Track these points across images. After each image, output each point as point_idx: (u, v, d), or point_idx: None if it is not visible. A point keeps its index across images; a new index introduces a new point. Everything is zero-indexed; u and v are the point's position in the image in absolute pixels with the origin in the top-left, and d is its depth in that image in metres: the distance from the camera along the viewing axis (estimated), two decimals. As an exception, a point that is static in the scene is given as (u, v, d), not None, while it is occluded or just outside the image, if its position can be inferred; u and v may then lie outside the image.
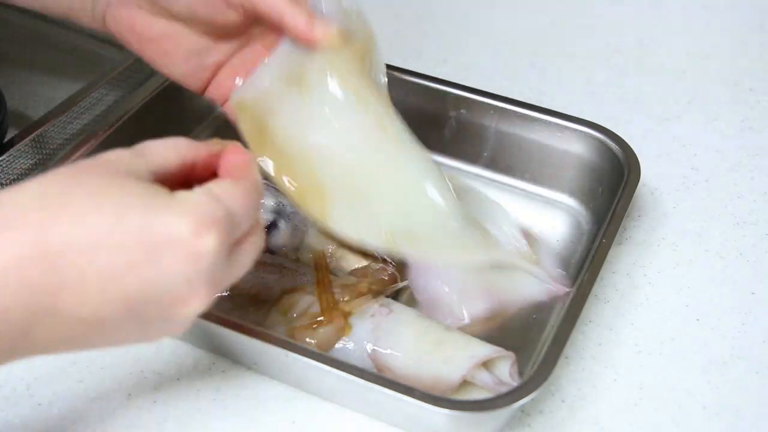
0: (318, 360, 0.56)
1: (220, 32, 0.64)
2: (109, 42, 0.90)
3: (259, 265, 0.66)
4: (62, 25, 0.93)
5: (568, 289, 0.67)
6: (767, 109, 0.88)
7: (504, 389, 0.57)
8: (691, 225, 0.75)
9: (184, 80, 0.66)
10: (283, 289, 0.65)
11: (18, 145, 0.73)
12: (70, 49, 0.92)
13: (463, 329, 0.63)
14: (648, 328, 0.67)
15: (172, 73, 0.66)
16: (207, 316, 0.59)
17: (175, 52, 0.64)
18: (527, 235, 0.72)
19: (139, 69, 0.82)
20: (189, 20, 0.63)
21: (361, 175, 0.64)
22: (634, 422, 0.61)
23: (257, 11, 0.61)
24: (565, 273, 0.69)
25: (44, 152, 0.76)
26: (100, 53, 0.91)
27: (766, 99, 0.89)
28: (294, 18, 0.60)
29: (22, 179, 0.75)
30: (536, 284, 0.68)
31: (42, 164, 0.76)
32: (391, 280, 0.66)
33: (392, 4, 1.02)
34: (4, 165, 0.73)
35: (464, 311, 0.66)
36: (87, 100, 0.78)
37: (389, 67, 0.78)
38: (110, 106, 0.81)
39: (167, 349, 0.65)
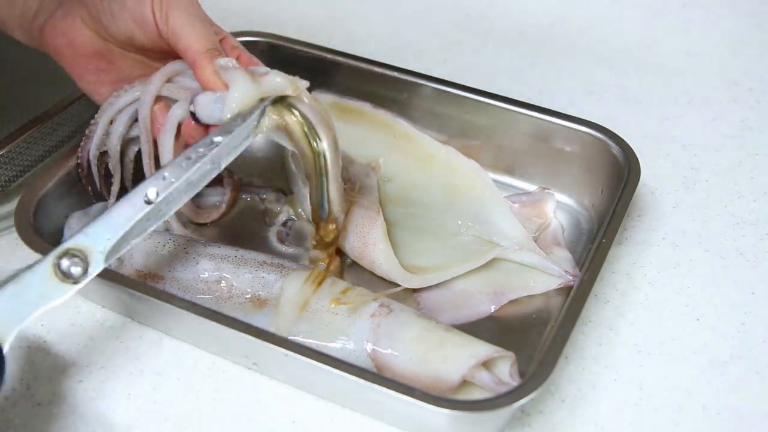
0: (318, 360, 0.56)
1: (150, 59, 0.68)
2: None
3: (259, 264, 0.66)
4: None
5: (576, 275, 0.67)
6: (767, 109, 0.88)
7: (504, 389, 0.57)
8: (691, 225, 0.75)
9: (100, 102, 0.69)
10: None
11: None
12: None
13: (465, 329, 0.63)
14: (648, 328, 0.67)
15: (95, 93, 0.68)
16: (208, 315, 0.59)
17: (106, 71, 0.67)
18: (538, 227, 0.72)
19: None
20: (125, 44, 0.66)
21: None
22: (634, 422, 0.61)
23: (177, 48, 0.63)
24: (572, 258, 0.70)
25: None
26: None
27: (766, 99, 0.89)
28: (203, 70, 0.62)
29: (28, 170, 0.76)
30: (544, 277, 0.69)
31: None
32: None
33: (392, 3, 1.03)
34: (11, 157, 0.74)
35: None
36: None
37: (389, 67, 0.79)
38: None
39: (167, 349, 0.65)
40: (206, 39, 0.63)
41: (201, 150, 0.59)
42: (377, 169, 0.76)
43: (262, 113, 0.62)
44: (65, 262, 0.54)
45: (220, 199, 0.75)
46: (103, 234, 0.55)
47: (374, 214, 0.69)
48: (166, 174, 0.58)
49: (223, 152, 0.60)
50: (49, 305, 0.53)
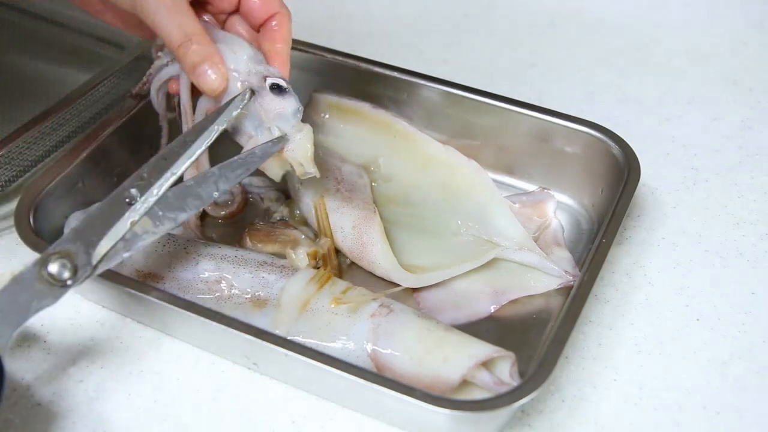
0: (318, 360, 0.56)
1: None
2: (109, 42, 0.90)
3: (259, 264, 0.66)
4: (62, 25, 0.93)
5: (576, 275, 0.67)
6: (767, 109, 0.88)
7: (504, 389, 0.57)
8: (691, 225, 0.75)
9: (143, 36, 0.68)
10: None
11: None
12: (70, 49, 0.92)
13: (465, 329, 0.63)
14: (648, 328, 0.67)
15: (133, 33, 0.68)
16: (208, 315, 0.59)
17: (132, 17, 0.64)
18: (538, 227, 0.72)
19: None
20: None
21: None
22: (634, 422, 0.61)
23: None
24: (572, 258, 0.70)
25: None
26: (100, 53, 0.91)
27: (766, 99, 0.89)
28: (182, 65, 0.62)
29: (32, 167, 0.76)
30: (544, 277, 0.69)
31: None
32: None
33: (392, 3, 1.03)
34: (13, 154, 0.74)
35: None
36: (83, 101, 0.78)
37: (389, 67, 0.79)
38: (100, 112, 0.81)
39: (167, 349, 0.65)
40: (177, 31, 0.60)
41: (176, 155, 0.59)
42: (378, 169, 0.76)
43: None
44: (53, 267, 0.54)
45: (231, 198, 0.76)
46: (88, 237, 0.55)
47: (371, 214, 0.69)
48: (145, 174, 0.58)
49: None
50: (39, 311, 0.54)
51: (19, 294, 0.53)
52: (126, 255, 0.57)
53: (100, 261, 0.55)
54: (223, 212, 0.75)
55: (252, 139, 0.64)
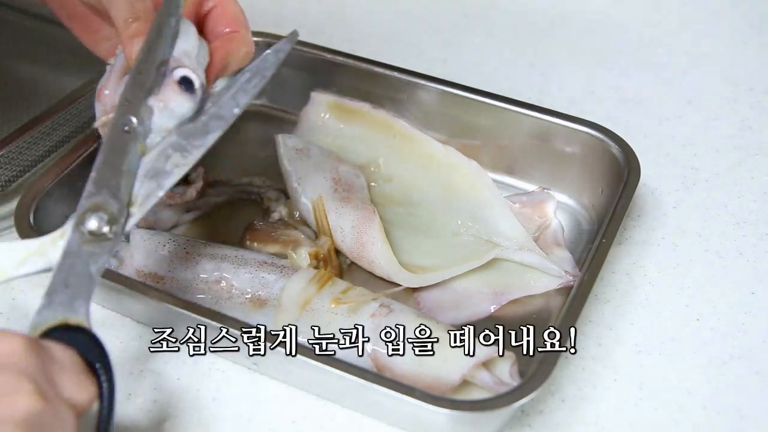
0: (318, 360, 0.56)
1: None
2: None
3: (259, 264, 0.66)
4: (62, 25, 0.93)
5: (576, 275, 0.67)
6: (767, 109, 0.88)
7: (504, 389, 0.57)
8: (691, 225, 0.75)
9: (106, 57, 0.67)
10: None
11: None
12: (69, 49, 0.92)
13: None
14: (648, 328, 0.67)
15: (96, 50, 0.68)
16: (208, 315, 0.59)
17: (100, 30, 0.66)
18: (538, 227, 0.72)
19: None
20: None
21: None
22: (634, 422, 0.61)
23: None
24: (572, 258, 0.70)
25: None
26: (100, 53, 0.91)
27: (766, 99, 0.89)
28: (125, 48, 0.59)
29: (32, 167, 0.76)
30: (544, 277, 0.69)
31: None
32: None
33: (392, 3, 1.03)
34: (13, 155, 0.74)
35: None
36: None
37: (389, 67, 0.79)
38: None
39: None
40: (128, 8, 0.59)
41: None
42: (378, 170, 0.76)
43: None
44: (92, 224, 0.52)
45: (183, 189, 0.73)
46: (107, 182, 0.52)
47: (370, 214, 0.69)
48: (129, 97, 0.54)
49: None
50: (101, 271, 0.52)
51: (74, 264, 0.51)
52: (161, 194, 0.54)
53: (131, 201, 0.53)
54: (172, 201, 0.71)
55: None
